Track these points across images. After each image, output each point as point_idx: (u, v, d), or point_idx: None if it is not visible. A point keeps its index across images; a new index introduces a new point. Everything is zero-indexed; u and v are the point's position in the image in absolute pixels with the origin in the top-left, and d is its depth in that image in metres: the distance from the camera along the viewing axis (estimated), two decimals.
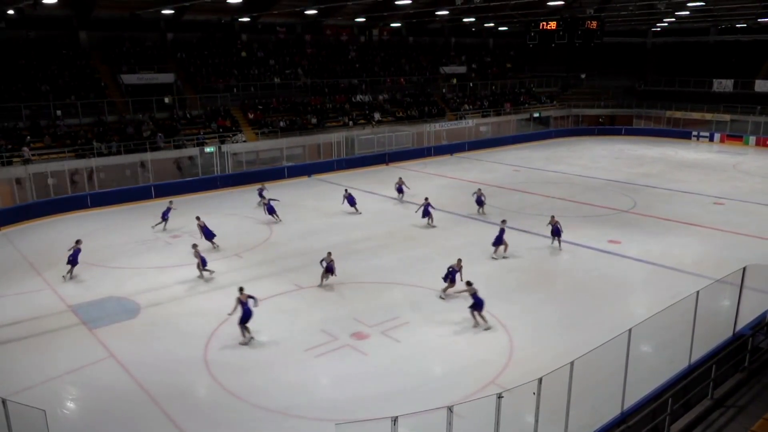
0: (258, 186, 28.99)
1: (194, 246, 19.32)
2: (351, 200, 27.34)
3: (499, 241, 20.86)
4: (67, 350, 14.53)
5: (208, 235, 21.83)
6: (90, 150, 29.87)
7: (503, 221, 21.35)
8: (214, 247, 21.81)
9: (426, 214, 24.83)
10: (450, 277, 17.38)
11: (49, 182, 27.77)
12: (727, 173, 35.91)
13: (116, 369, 13.63)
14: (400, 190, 29.42)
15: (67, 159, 28.89)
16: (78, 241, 19.41)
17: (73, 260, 19.00)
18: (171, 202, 25.40)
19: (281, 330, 15.62)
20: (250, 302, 14.78)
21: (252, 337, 14.79)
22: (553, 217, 21.95)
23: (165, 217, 24.43)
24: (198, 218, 22.27)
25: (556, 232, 21.60)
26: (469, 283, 15.64)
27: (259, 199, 27.24)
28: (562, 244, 21.70)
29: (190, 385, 13.07)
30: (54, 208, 27.23)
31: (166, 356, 14.22)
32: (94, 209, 28.09)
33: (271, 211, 25.69)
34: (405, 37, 53.51)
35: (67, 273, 19.03)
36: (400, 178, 29.83)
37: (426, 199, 25.30)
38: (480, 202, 26.70)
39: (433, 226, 24.75)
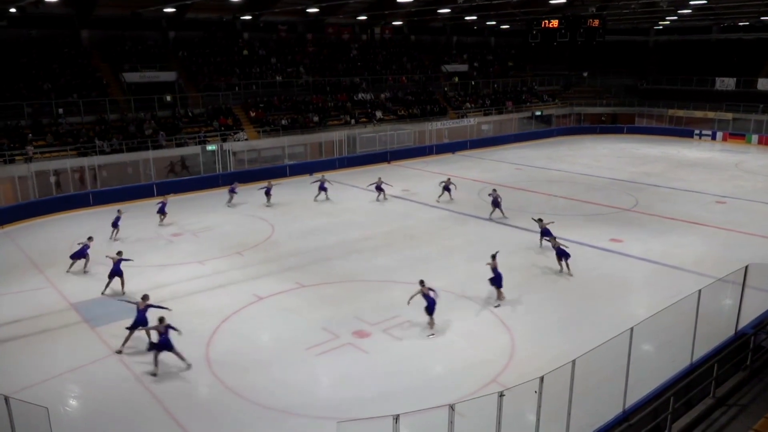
0: (160, 200, 25.96)
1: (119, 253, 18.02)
2: (322, 186, 29.16)
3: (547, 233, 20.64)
4: (68, 348, 14.55)
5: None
6: (92, 148, 29.92)
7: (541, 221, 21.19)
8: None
9: (378, 190, 28.77)
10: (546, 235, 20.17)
11: (51, 180, 27.81)
12: (729, 172, 35.84)
13: (118, 367, 13.65)
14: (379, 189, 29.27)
15: (69, 157, 28.94)
16: (90, 238, 19.90)
17: (79, 254, 19.26)
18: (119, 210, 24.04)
19: (282, 328, 15.64)
20: (431, 294, 15.24)
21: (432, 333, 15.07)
22: (541, 220, 21.34)
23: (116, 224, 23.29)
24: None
25: (545, 233, 20.93)
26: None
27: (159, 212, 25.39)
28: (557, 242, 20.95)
29: (191, 384, 13.07)
30: (56, 206, 27.28)
31: (168, 355, 14.21)
32: (97, 207, 28.11)
33: (161, 211, 24.86)
34: (407, 36, 53.47)
35: (71, 267, 19.39)
36: (380, 178, 29.81)
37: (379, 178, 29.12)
38: (496, 203, 25.57)
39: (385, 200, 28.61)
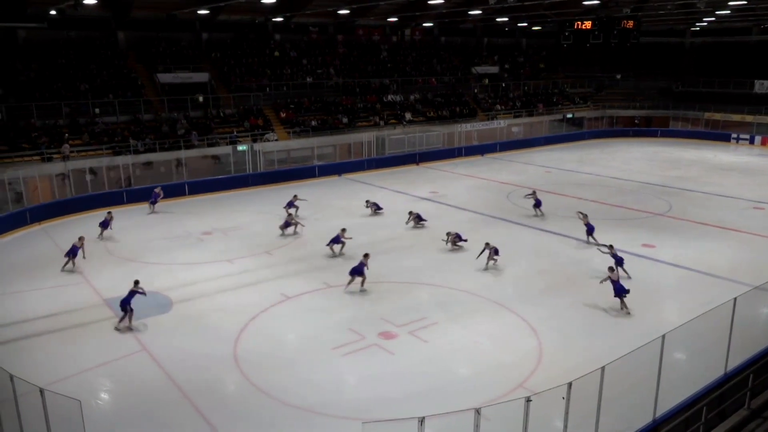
0: (291, 198, 26.54)
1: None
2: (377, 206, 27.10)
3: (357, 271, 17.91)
4: (101, 343, 14.88)
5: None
6: (126, 147, 30.57)
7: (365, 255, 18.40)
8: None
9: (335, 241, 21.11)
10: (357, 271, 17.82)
11: (87, 178, 28.51)
12: (767, 177, 34.87)
13: (148, 362, 13.90)
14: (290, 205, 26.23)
15: (104, 156, 29.64)
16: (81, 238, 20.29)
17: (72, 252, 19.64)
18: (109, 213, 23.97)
19: (309, 328, 15.72)
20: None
21: None
22: (585, 215, 22.87)
23: (105, 226, 23.35)
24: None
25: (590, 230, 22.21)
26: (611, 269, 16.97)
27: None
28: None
29: (219, 381, 13.26)
30: (91, 203, 27.91)
31: (197, 351, 14.43)
32: (130, 205, 28.67)
33: (103, 225, 23.33)
34: (437, 37, 53.34)
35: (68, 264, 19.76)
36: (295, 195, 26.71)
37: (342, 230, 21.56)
38: (538, 203, 26.31)
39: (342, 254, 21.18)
